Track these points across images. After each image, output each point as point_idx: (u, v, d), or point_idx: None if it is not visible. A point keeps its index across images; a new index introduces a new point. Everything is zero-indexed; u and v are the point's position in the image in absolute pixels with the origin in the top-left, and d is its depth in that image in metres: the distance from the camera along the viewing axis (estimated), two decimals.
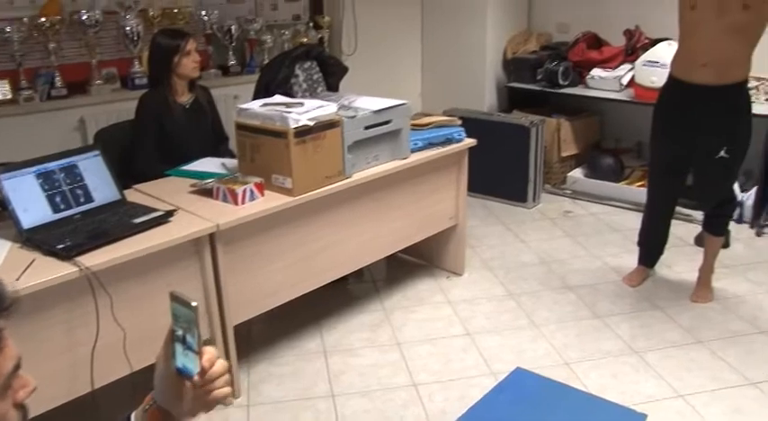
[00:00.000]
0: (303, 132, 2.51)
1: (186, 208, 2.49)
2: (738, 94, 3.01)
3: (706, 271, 3.39)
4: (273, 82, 3.36)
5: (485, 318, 3.22)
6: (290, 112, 2.51)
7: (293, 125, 2.48)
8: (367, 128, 2.77)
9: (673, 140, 3.16)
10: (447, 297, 3.42)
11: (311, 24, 4.75)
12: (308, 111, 2.53)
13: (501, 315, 3.25)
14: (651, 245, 3.53)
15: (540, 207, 4.63)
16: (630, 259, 3.68)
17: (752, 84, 4.45)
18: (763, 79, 4.49)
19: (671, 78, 3.14)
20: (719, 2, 2.84)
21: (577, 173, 4.91)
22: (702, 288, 3.39)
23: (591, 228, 4.28)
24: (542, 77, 4.84)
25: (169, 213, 2.38)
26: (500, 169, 4.59)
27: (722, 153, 3.02)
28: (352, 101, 2.86)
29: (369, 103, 2.84)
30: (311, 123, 2.52)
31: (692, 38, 2.98)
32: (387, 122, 2.84)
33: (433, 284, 3.55)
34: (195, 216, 2.43)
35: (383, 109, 2.82)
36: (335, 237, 2.88)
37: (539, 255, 3.86)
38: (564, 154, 4.87)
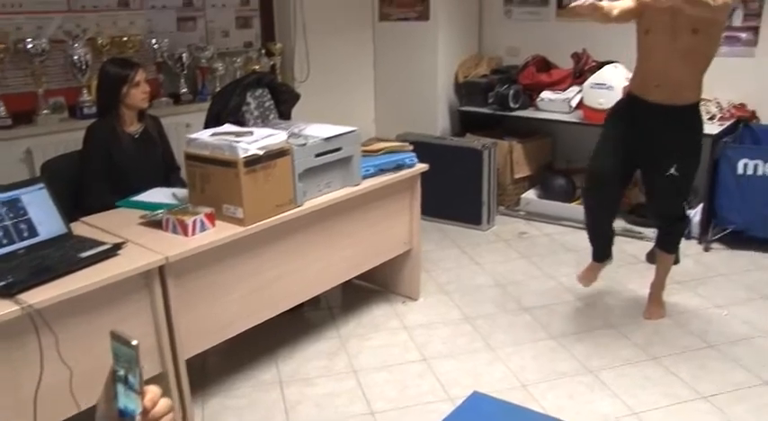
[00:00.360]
0: (253, 161, 2.50)
1: (135, 240, 2.44)
2: (690, 114, 3.10)
3: (658, 287, 3.45)
4: (225, 110, 3.34)
5: (441, 343, 3.22)
6: (239, 142, 2.50)
7: (243, 154, 2.47)
8: (318, 155, 2.77)
9: (618, 142, 3.19)
10: (403, 322, 3.42)
11: (263, 51, 4.74)
12: (257, 140, 2.52)
13: (457, 339, 3.25)
14: (599, 237, 3.48)
15: (494, 229, 4.68)
16: None
17: None
18: (704, 100, 4.62)
19: (628, 94, 3.23)
20: (672, 27, 2.92)
21: (531, 194, 4.98)
22: (654, 304, 3.44)
23: (545, 248, 4.33)
24: (493, 101, 4.91)
25: (117, 246, 2.34)
26: (454, 192, 4.63)
27: (672, 171, 3.08)
28: (303, 128, 2.85)
29: (319, 131, 2.84)
30: (261, 152, 2.51)
31: (647, 60, 3.07)
32: (337, 149, 2.85)
33: (389, 310, 3.54)
34: (144, 249, 2.39)
35: (333, 136, 2.82)
36: (289, 265, 2.86)
37: (494, 278, 3.88)
38: (517, 176, 4.94)
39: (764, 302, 3.55)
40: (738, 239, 4.27)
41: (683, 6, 2.70)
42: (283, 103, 3.75)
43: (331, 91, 5.03)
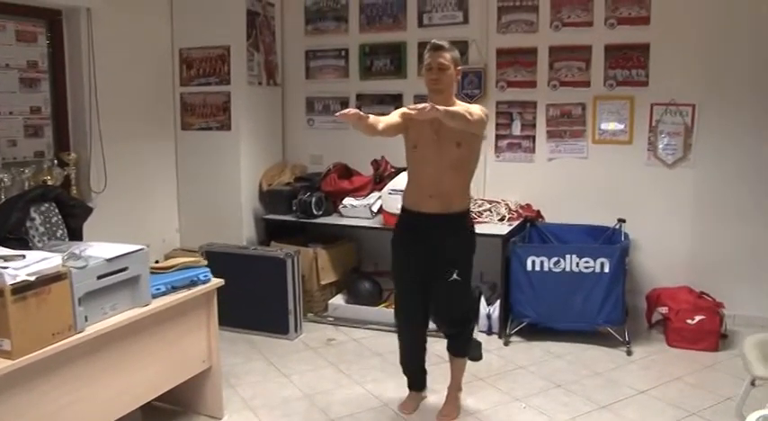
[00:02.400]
0: (22, 288, 2.31)
1: None
2: (463, 221, 3.32)
3: (453, 389, 3.53)
4: (4, 227, 3.12)
5: None
6: (6, 267, 2.31)
7: (10, 281, 2.28)
8: (100, 277, 2.63)
9: (409, 265, 3.36)
10: None
11: (56, 162, 4.51)
12: (28, 264, 2.35)
13: None
14: (413, 369, 3.60)
15: (302, 337, 4.62)
16: (392, 382, 3.78)
17: (485, 206, 4.95)
18: (495, 202, 4.99)
19: (403, 210, 3.39)
20: (437, 141, 3.17)
21: (338, 299, 5.02)
22: (449, 405, 3.50)
23: (353, 354, 4.33)
24: (297, 208, 4.98)
25: None
26: (260, 302, 4.56)
27: (455, 276, 3.24)
28: (84, 249, 2.70)
29: (102, 251, 2.70)
30: (32, 278, 2.34)
31: (418, 173, 3.28)
32: (123, 270, 2.72)
33: None
34: None
35: (118, 256, 2.69)
36: (73, 395, 2.63)
37: (301, 389, 3.80)
38: (323, 282, 4.97)
39: (558, 391, 3.76)
40: (534, 331, 4.54)
41: (444, 120, 2.91)
42: (73, 218, 3.58)
43: (131, 201, 4.87)
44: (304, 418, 3.47)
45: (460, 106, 3.15)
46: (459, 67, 3.26)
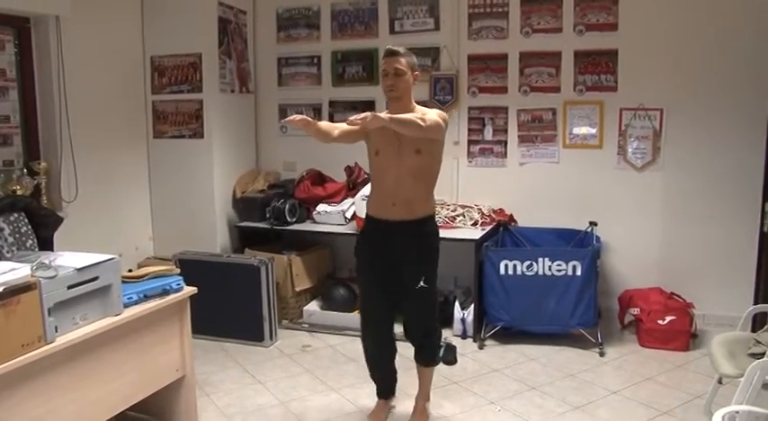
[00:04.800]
0: None
1: None
2: (427, 226, 3.28)
3: (421, 399, 3.51)
4: None
5: None
6: None
7: None
8: (70, 287, 2.60)
9: (374, 273, 3.31)
10: None
11: (25, 171, 4.46)
12: None
13: None
14: (379, 374, 3.56)
15: (278, 344, 4.61)
16: (367, 388, 3.77)
17: (458, 211, 4.98)
18: (468, 207, 5.03)
19: (367, 217, 3.37)
20: (398, 148, 3.14)
21: (313, 306, 5.02)
22: (418, 415, 3.48)
23: (329, 360, 4.34)
24: (270, 215, 4.97)
25: None
26: (235, 310, 4.56)
27: (421, 283, 3.21)
28: (54, 259, 2.68)
29: (72, 261, 2.68)
30: (0, 289, 2.32)
31: (381, 180, 3.25)
32: (94, 279, 2.70)
33: None
34: None
35: (88, 266, 2.67)
36: (44, 407, 2.60)
37: (277, 396, 3.80)
38: (298, 288, 4.97)
39: (532, 393, 3.80)
40: (508, 334, 4.58)
41: (396, 128, 2.88)
42: (44, 228, 3.55)
43: (103, 210, 4.83)
44: None
45: (417, 112, 3.10)
46: (417, 73, 3.21)
